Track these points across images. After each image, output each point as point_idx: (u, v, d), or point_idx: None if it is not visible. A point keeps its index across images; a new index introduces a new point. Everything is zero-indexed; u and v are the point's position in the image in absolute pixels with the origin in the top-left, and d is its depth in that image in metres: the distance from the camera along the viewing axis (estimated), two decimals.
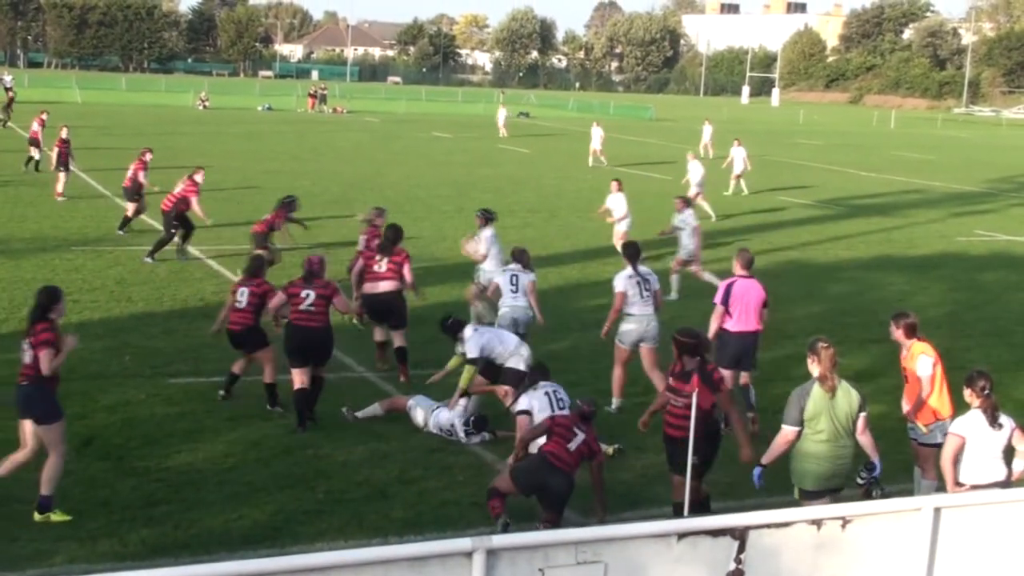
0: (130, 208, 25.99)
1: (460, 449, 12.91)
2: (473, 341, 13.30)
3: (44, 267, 21.74)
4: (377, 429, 13.38)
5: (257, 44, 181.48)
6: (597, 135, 49.16)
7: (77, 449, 12.16)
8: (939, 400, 11.13)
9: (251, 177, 37.80)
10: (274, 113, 79.02)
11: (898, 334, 11.27)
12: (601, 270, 23.79)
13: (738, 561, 7.31)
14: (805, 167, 53.90)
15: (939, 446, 10.68)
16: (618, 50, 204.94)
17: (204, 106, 79.57)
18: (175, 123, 62.54)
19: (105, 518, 10.54)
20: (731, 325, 13.68)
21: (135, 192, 25.88)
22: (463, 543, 6.51)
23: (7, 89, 69.61)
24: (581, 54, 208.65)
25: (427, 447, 12.87)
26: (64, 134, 31.92)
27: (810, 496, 9.93)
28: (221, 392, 14.11)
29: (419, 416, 13.39)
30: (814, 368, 9.90)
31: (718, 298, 13.86)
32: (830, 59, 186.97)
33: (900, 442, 11.98)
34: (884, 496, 10.12)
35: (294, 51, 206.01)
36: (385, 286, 15.55)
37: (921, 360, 11.09)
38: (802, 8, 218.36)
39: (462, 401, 13.28)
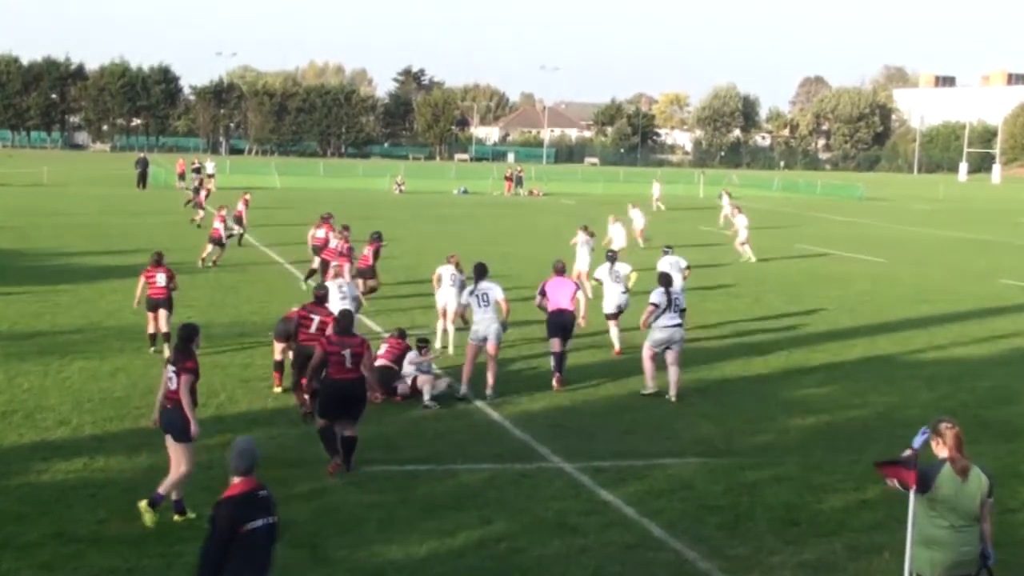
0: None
1: (659, 545, 12.37)
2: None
3: (242, 352, 22.02)
4: (572, 522, 12.97)
5: (453, 127, 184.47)
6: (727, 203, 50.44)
7: None
8: None
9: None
10: (470, 196, 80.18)
11: None
12: (808, 358, 23.05)
13: None
14: None
15: None
16: (825, 127, 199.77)
17: (400, 190, 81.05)
18: (371, 207, 63.77)
19: None
20: (550, 307, 20.20)
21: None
22: None
23: (209, 176, 72.29)
24: (786, 131, 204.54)
25: (624, 543, 12.38)
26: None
27: None
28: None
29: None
30: (940, 451, 9.21)
31: (539, 296, 20.56)
32: None
33: None
34: None
35: (490, 133, 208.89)
36: None
37: None
38: None
39: None
